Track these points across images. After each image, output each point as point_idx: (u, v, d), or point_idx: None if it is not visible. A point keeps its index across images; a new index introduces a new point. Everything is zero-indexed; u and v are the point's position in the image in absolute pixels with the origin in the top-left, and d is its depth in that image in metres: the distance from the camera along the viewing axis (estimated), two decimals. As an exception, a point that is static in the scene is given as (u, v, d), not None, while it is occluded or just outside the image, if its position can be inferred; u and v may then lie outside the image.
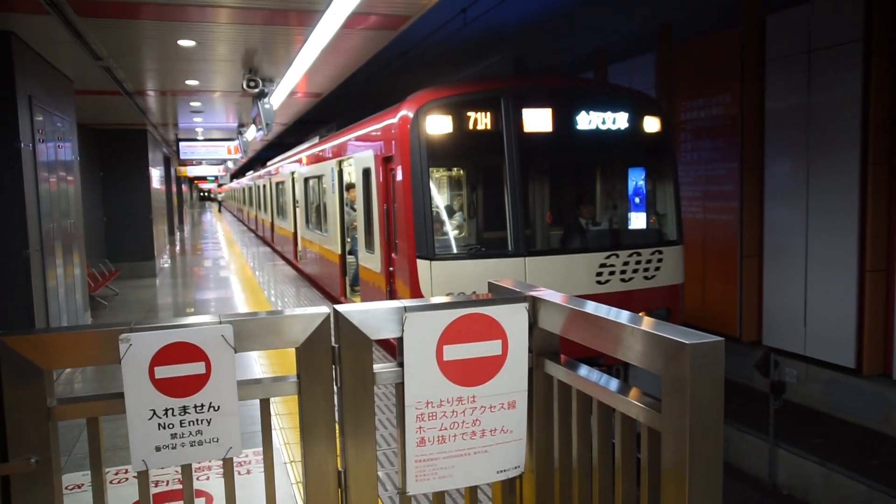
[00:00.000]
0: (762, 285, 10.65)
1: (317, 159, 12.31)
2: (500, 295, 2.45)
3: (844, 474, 7.88)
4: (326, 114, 17.38)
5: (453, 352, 2.21)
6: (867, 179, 8.81)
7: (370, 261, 8.46)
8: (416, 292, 6.71)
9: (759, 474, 9.03)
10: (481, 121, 6.72)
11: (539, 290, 2.39)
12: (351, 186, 10.05)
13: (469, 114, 6.70)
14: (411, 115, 6.73)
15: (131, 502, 3.98)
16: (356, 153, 9.07)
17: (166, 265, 17.34)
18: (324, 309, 2.16)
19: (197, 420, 2.05)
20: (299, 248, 15.42)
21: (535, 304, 2.32)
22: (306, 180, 13.76)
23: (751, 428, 9.23)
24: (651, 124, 7.36)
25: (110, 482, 4.30)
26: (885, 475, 7.71)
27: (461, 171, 8.42)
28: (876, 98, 8.65)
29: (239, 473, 4.33)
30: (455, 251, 7.12)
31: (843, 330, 9.19)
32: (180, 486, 4.15)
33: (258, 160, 34.05)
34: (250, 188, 31.12)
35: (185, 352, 2.00)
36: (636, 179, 8.04)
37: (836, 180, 9.26)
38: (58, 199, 7.45)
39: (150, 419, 2.01)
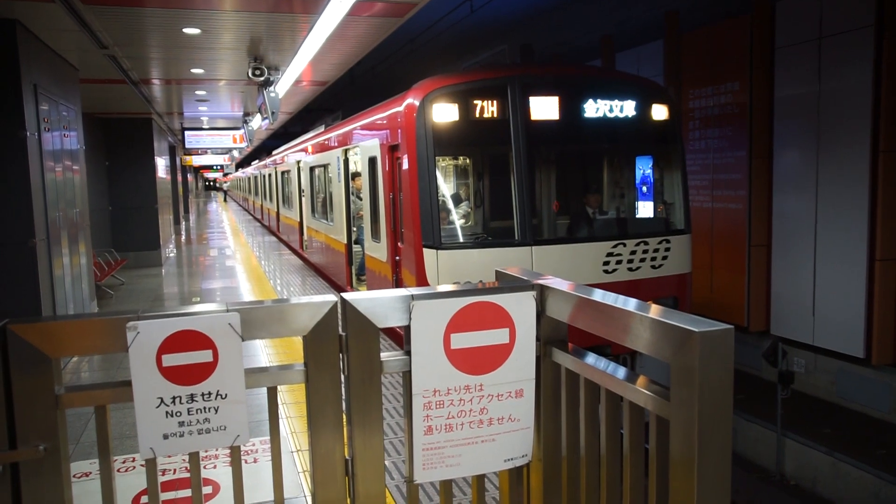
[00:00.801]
0: (770, 274, 10.61)
1: (322, 148, 12.29)
2: (507, 283, 2.44)
3: (852, 464, 7.87)
4: (332, 102, 17.37)
5: (461, 340, 2.20)
6: (878, 168, 8.74)
7: (376, 250, 8.46)
8: (422, 281, 6.70)
9: (767, 464, 9.02)
10: (488, 109, 6.69)
11: (547, 279, 2.38)
12: (357, 175, 10.03)
13: (475, 102, 6.66)
14: (417, 103, 6.70)
15: (139, 490, 4.01)
16: (362, 142, 9.04)
17: (172, 255, 17.38)
18: (331, 297, 2.15)
19: (204, 408, 2.04)
20: (305, 237, 15.43)
21: (542, 293, 2.31)
22: (312, 169, 13.75)
23: (758, 418, 9.22)
24: (659, 112, 7.32)
25: (117, 470, 4.32)
26: (892, 465, 7.69)
27: (467, 160, 8.40)
28: (887, 86, 8.56)
29: (245, 462, 4.35)
30: (461, 240, 7.10)
31: (852, 319, 9.15)
32: (187, 475, 4.17)
33: (263, 149, 34.06)
34: (255, 177, 31.15)
35: (192, 340, 1.99)
36: (644, 168, 8.00)
37: (846, 169, 9.20)
38: (63, 188, 7.46)
39: (157, 407, 2.00)
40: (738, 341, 10.38)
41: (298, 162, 15.66)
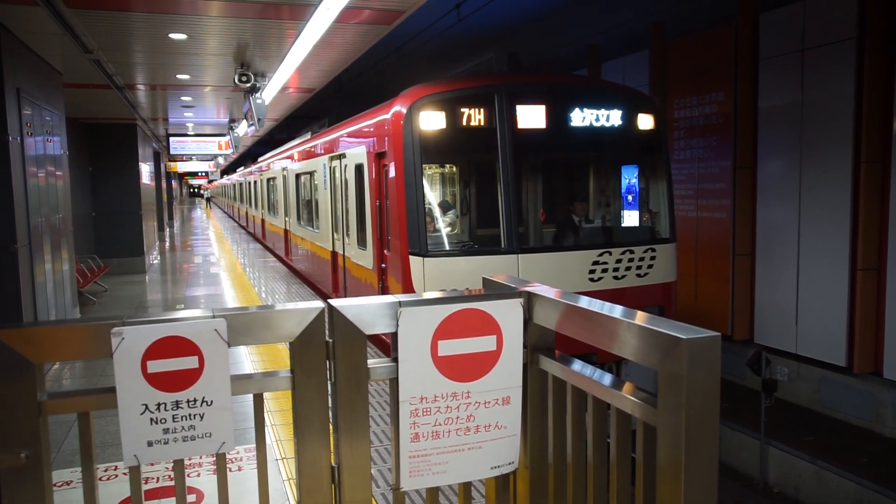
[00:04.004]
0: (754, 283, 10.69)
1: (308, 155, 12.26)
2: (494, 290, 2.44)
3: (834, 472, 7.92)
4: (318, 109, 17.34)
5: (448, 347, 2.20)
6: (859, 178, 8.85)
7: (362, 258, 8.43)
8: (408, 289, 6.69)
9: (751, 472, 9.07)
10: (475, 117, 6.70)
11: (534, 286, 2.38)
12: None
13: (462, 110, 6.67)
14: (404, 110, 6.71)
15: (121, 499, 3.95)
16: (349, 149, 9.03)
17: (156, 261, 17.25)
18: (318, 303, 2.14)
19: (190, 415, 2.02)
20: (290, 244, 15.36)
21: (529, 300, 2.31)
22: (298, 176, 13.71)
23: (742, 426, 9.26)
24: (645, 122, 7.37)
25: (99, 479, 4.26)
26: (874, 473, 7.75)
27: (454, 168, 8.40)
28: (869, 96, 8.68)
29: (230, 470, 4.30)
30: (448, 248, 7.10)
31: (835, 328, 9.23)
32: (170, 483, 4.13)
33: (249, 156, 33.93)
34: (241, 184, 31.01)
35: (178, 346, 1.97)
36: (629, 177, 8.04)
37: (828, 179, 9.30)
38: (46, 193, 7.38)
39: (142, 414, 1.98)
40: (723, 350, 10.39)
41: (284, 169, 15.61)
